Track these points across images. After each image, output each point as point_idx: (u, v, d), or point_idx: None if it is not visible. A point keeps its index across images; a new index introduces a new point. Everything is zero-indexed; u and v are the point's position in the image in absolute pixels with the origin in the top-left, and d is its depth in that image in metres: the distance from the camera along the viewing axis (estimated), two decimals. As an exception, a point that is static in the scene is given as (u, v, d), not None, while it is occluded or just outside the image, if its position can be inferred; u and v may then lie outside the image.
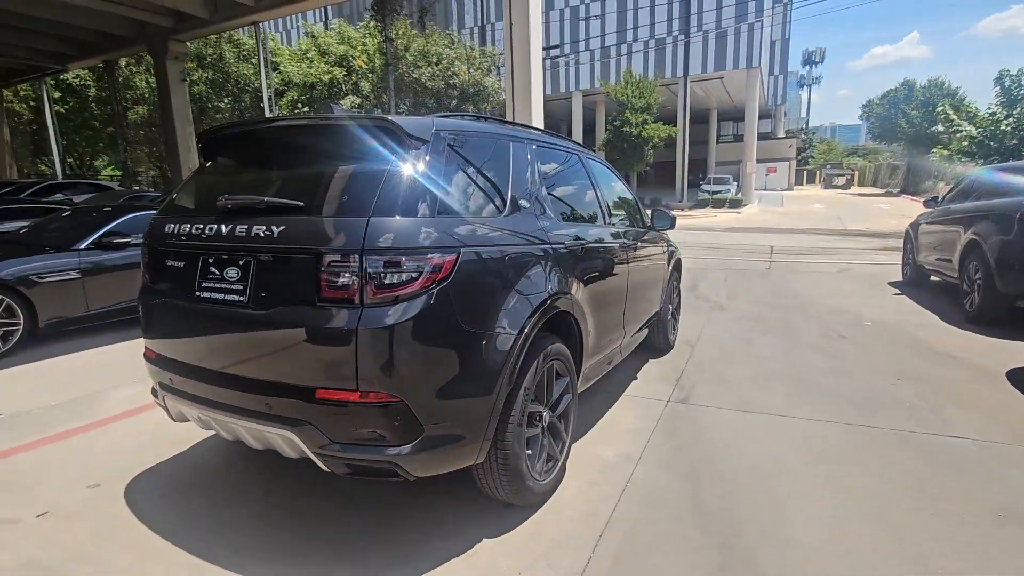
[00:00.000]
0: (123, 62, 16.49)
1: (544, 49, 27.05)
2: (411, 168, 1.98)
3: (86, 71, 17.53)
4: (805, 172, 56.80)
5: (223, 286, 2.06)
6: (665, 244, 4.67)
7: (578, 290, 2.75)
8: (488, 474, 2.26)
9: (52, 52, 15.72)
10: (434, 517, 2.41)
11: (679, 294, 5.26)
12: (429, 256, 1.87)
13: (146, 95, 17.17)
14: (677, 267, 5.12)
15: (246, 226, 1.98)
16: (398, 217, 1.86)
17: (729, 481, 2.71)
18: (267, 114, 14.25)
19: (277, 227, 1.92)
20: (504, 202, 2.35)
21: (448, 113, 2.50)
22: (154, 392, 2.43)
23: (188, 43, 14.90)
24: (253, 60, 16.51)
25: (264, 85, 13.92)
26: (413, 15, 13.97)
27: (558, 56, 29.24)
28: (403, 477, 1.95)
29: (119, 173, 15.70)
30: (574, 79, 30.46)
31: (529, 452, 2.37)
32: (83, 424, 3.46)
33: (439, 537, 2.27)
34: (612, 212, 3.66)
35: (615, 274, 3.35)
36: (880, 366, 4.41)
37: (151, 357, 2.38)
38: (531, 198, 2.57)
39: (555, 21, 30.06)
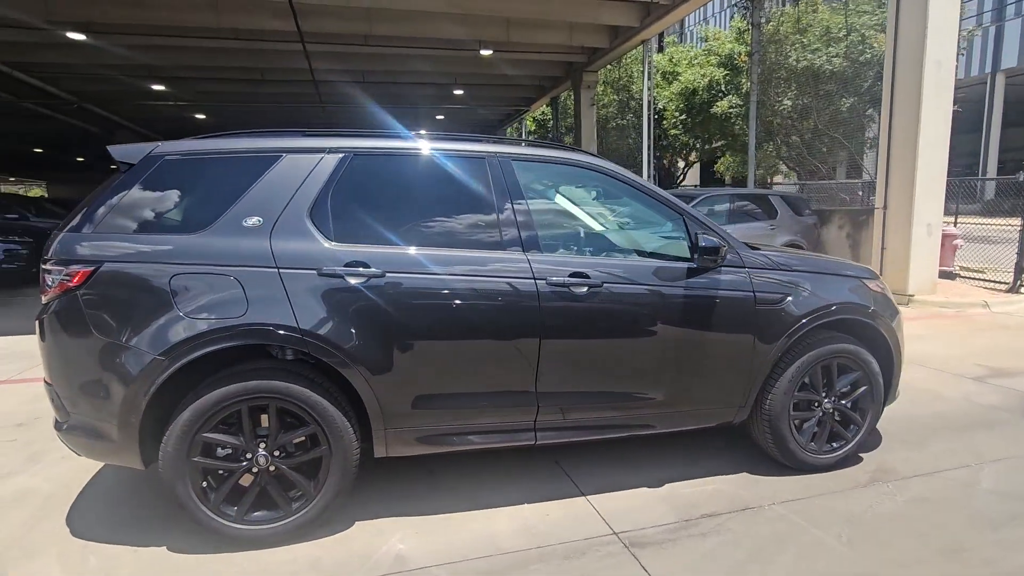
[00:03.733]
0: (563, 96, 20.46)
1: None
2: (106, 189, 2.26)
3: (547, 106, 22.59)
4: None
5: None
6: (777, 289, 2.79)
7: (350, 327, 2.27)
8: None
9: (522, 97, 21.05)
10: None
11: (864, 378, 2.99)
12: (65, 267, 2.14)
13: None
14: (861, 330, 3.00)
15: None
16: (67, 233, 2.20)
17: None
18: (646, 129, 14.88)
19: None
20: (211, 221, 2.25)
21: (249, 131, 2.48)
22: None
23: (597, 72, 17.14)
24: (654, 77, 17.39)
25: (645, 101, 14.59)
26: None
27: None
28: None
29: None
30: None
31: (205, 485, 2.24)
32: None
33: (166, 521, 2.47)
34: (548, 237, 2.61)
35: (498, 321, 2.46)
36: None
37: None
38: (281, 217, 2.29)
39: None
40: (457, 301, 2.41)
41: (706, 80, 14.43)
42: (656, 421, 2.80)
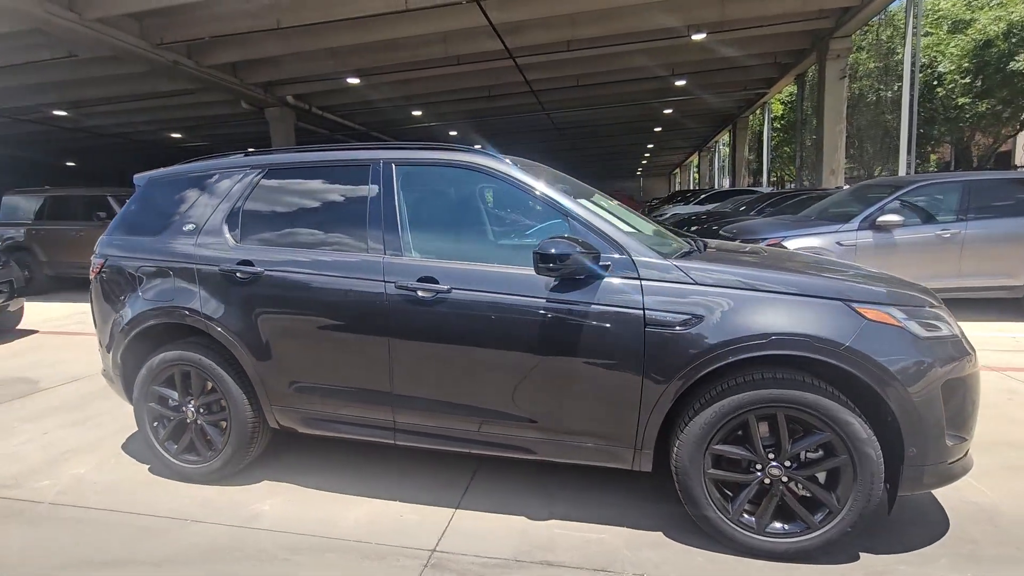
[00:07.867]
0: (810, 71, 17.22)
1: None
2: (127, 204, 3.16)
3: (793, 85, 19.45)
4: None
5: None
6: (679, 308, 2.18)
7: (237, 315, 2.72)
8: None
9: (760, 79, 18.63)
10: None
11: (839, 445, 2.10)
12: (96, 258, 3.09)
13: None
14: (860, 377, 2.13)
15: None
16: (104, 235, 3.17)
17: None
18: (906, 100, 11.64)
19: None
20: (167, 227, 2.92)
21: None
22: None
23: (849, 38, 14.11)
24: (934, 31, 13.21)
25: (907, 62, 11.45)
26: None
27: None
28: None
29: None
30: None
31: (156, 425, 2.96)
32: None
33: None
34: (420, 242, 2.58)
35: (352, 321, 2.59)
36: None
37: None
38: (206, 224, 2.84)
39: None
40: (319, 299, 2.62)
41: (1003, 25, 10.32)
42: (535, 447, 2.49)
